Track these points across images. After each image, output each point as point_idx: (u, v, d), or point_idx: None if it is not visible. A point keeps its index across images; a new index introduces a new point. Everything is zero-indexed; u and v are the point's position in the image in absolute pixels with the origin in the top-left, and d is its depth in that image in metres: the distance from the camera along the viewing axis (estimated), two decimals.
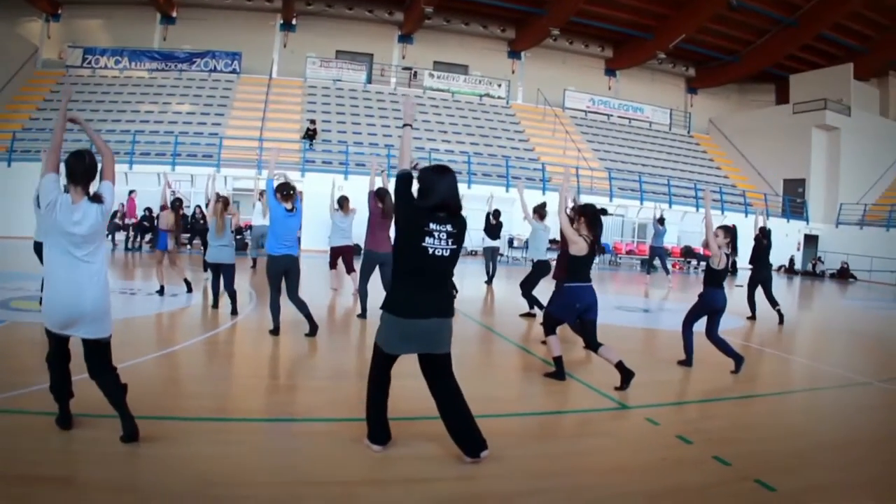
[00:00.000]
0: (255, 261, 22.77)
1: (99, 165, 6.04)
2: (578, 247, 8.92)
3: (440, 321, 5.98)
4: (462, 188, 27.96)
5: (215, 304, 13.96)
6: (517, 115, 45.75)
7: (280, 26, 44.99)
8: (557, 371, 9.25)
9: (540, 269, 14.52)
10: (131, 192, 30.14)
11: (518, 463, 6.13)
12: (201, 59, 43.06)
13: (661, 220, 25.21)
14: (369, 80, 45.07)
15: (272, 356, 10.26)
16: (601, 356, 9.13)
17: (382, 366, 6.14)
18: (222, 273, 13.60)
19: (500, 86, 46.73)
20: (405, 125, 6.19)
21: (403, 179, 5.89)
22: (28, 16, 42.27)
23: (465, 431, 6.03)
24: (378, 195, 12.89)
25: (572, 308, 9.13)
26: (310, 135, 35.71)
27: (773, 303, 16.69)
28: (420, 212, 5.79)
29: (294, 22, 44.88)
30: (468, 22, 46.42)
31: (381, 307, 6.06)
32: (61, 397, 6.12)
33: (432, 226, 5.75)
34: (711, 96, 53.10)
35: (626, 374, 8.89)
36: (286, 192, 11.12)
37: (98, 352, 6.04)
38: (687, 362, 10.65)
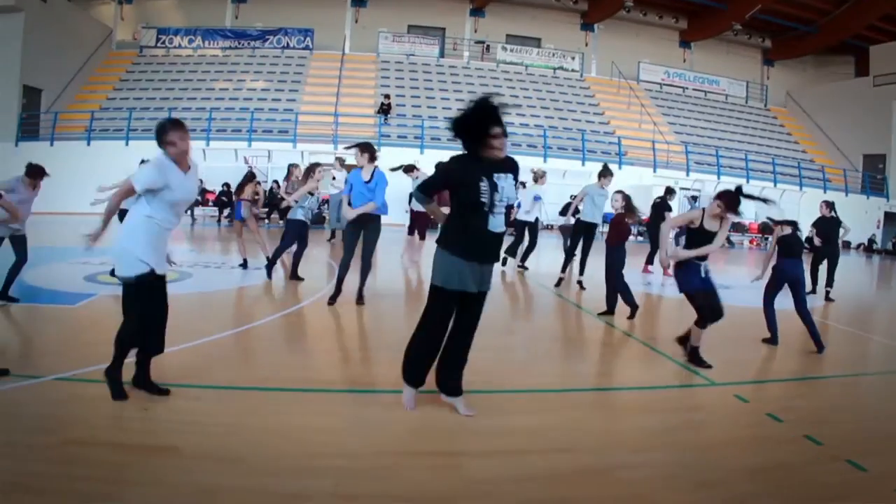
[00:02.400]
0: (333, 232, 22.94)
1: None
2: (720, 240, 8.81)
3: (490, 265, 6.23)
4: (538, 162, 28.05)
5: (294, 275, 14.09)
6: (591, 87, 45.21)
7: (351, 2, 44.95)
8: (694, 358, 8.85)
9: (588, 230, 14.72)
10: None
11: (613, 437, 6.14)
12: (274, 36, 43.33)
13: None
14: (442, 55, 44.95)
15: (359, 328, 10.34)
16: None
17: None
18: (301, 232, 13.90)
19: (573, 58, 46.18)
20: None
21: (424, 182, 6.40)
22: None
23: (453, 367, 6.37)
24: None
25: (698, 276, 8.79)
26: (384, 109, 35.86)
27: (829, 281, 16.30)
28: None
29: None
30: None
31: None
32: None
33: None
34: (788, 68, 51.74)
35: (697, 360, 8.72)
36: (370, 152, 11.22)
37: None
38: (772, 340, 10.46)
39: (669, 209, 18.92)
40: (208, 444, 5.41)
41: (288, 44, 43.29)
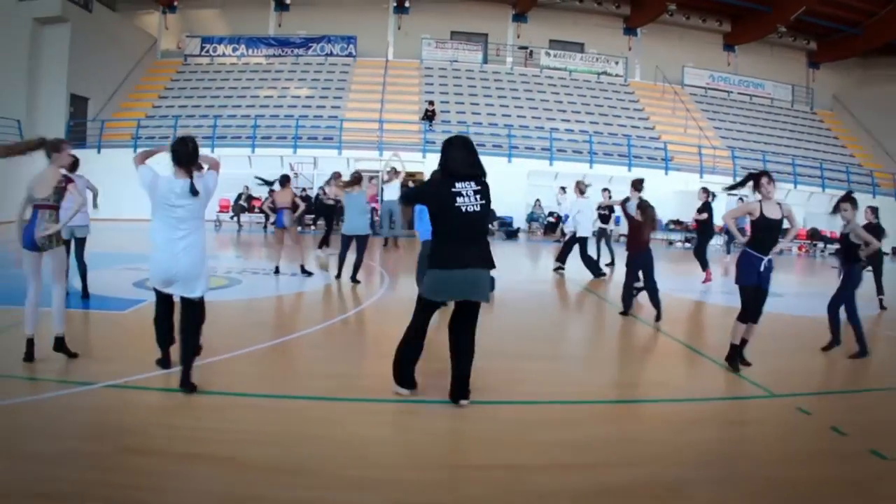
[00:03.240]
0: (386, 240, 23.46)
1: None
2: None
3: (477, 272, 6.65)
4: (584, 168, 27.83)
5: (339, 274, 14.79)
6: (636, 93, 44.84)
7: (394, 9, 44.95)
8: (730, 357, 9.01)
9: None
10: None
11: (677, 449, 6.07)
12: (317, 43, 43.56)
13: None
14: (485, 61, 44.80)
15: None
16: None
17: (425, 314, 6.95)
18: (357, 242, 14.63)
19: (617, 63, 45.82)
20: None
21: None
22: (146, 9, 43.72)
23: (460, 377, 6.79)
24: None
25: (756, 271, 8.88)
26: (429, 116, 35.92)
27: (880, 289, 15.92)
28: (445, 180, 6.63)
29: (407, 4, 44.73)
30: None
31: (428, 266, 6.77)
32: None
33: (458, 185, 6.55)
34: (834, 71, 50.60)
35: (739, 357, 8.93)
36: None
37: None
38: (834, 342, 10.34)
39: (711, 212, 18.60)
40: (262, 453, 5.42)
41: (331, 51, 43.48)
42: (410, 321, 6.98)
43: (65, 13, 32.70)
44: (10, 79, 31.98)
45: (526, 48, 45.24)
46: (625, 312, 12.52)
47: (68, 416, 6.08)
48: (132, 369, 7.26)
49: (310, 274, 15.40)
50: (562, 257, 18.34)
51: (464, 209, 6.49)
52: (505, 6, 45.81)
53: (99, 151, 31.49)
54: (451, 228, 6.57)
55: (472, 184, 6.59)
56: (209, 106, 37.56)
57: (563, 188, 25.38)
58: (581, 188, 17.94)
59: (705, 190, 18.88)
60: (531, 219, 33.72)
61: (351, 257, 14.87)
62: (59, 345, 7.72)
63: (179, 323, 7.04)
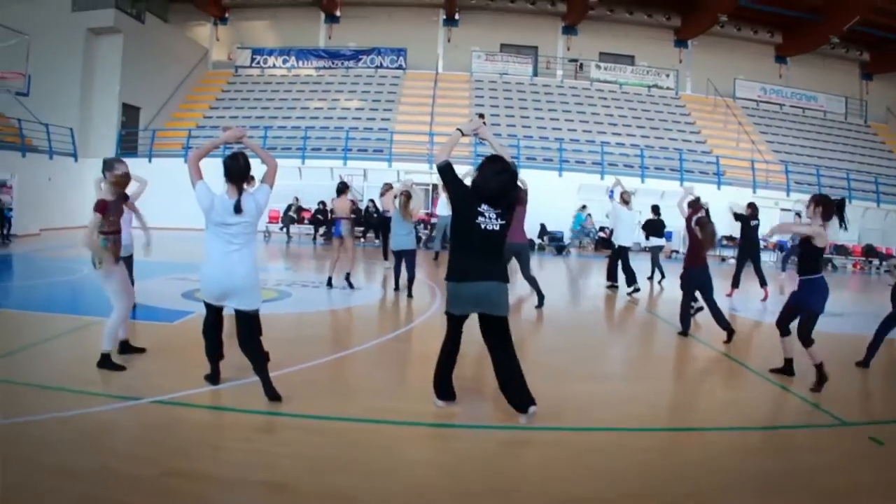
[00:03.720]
0: (437, 254, 23.38)
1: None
2: (824, 238, 8.78)
3: (490, 284, 6.75)
4: (636, 183, 27.56)
5: (397, 287, 15.50)
6: (687, 106, 44.39)
7: (443, 21, 45.37)
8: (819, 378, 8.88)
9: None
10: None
11: (751, 482, 5.79)
12: (367, 55, 44.00)
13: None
14: (535, 73, 44.78)
15: (472, 356, 9.30)
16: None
17: (452, 327, 7.08)
18: (405, 258, 15.11)
19: (667, 76, 45.48)
20: (458, 129, 7.29)
21: (447, 169, 6.86)
22: (198, 20, 44.75)
23: (515, 388, 6.78)
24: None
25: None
26: None
27: None
28: (472, 197, 6.73)
29: (457, 17, 45.10)
30: (632, 11, 45.35)
31: (444, 278, 6.98)
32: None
33: (483, 207, 6.68)
34: (888, 82, 49.35)
35: (822, 378, 8.73)
36: None
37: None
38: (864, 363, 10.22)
39: (748, 224, 18.25)
40: (317, 481, 5.29)
41: (381, 63, 43.85)
42: (444, 336, 7.12)
43: (118, 24, 33.69)
44: (64, 88, 32.91)
45: (576, 61, 45.14)
46: (684, 333, 12.21)
47: (112, 433, 6.07)
48: (179, 384, 7.24)
49: (353, 287, 15.39)
50: (611, 275, 18.17)
51: (483, 227, 6.66)
52: (555, 19, 45.91)
53: (150, 161, 31.96)
54: (468, 244, 6.78)
55: (497, 208, 6.73)
56: (259, 117, 38.12)
57: (611, 193, 25.22)
58: (626, 198, 17.82)
59: (750, 205, 18.62)
60: (582, 233, 33.30)
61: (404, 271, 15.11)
62: (102, 361, 7.79)
63: (238, 339, 7.05)
